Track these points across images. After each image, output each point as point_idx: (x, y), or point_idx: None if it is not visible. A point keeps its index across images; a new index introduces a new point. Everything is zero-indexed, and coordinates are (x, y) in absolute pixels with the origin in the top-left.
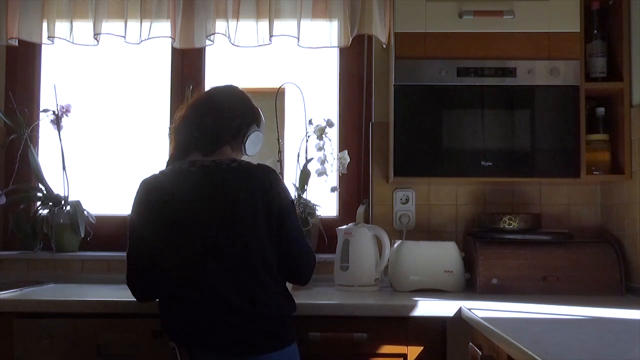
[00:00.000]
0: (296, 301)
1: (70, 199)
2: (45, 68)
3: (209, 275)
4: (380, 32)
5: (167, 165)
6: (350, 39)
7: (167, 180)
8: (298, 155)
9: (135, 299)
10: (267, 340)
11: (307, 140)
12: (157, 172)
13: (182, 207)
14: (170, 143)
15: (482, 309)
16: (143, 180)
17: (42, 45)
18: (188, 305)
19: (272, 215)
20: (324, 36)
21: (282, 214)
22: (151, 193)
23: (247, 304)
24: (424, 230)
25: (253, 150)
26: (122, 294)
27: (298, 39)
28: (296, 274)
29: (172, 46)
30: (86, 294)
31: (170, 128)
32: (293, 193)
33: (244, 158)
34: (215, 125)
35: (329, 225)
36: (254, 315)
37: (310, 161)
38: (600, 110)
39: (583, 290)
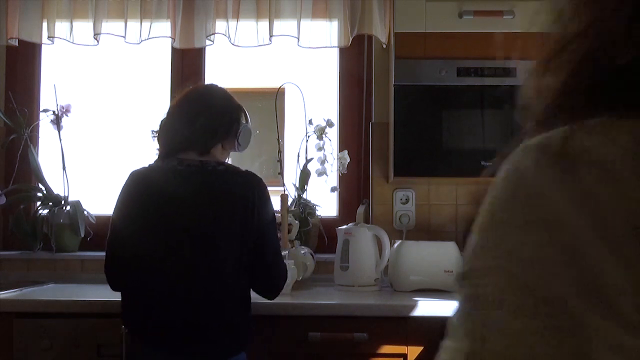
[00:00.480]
0: (296, 301)
1: (70, 199)
2: (45, 68)
3: (176, 274)
4: (380, 32)
5: (156, 160)
6: (350, 39)
7: (155, 175)
8: (298, 155)
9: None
10: (211, 348)
11: (307, 140)
12: (147, 165)
13: (163, 203)
14: (158, 140)
15: None
16: (132, 172)
17: (42, 45)
18: (149, 299)
19: (251, 225)
20: (324, 36)
21: (262, 226)
22: (137, 185)
23: (207, 309)
24: (424, 230)
25: (245, 145)
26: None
27: (298, 39)
28: (266, 289)
29: (172, 46)
30: (86, 294)
31: (155, 131)
32: (293, 193)
33: (235, 154)
34: (208, 123)
35: (329, 225)
36: (211, 321)
37: (310, 161)
38: None
39: None
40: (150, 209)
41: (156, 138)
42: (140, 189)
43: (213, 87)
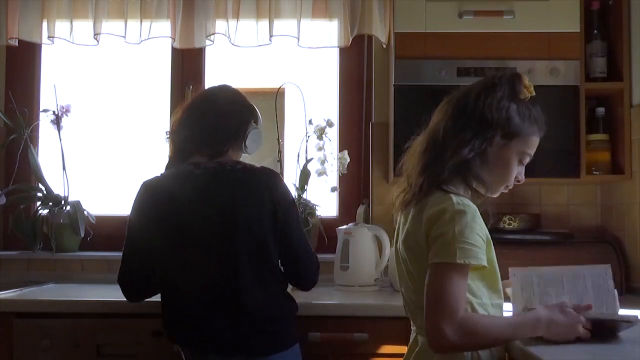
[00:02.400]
0: (296, 301)
1: (70, 199)
2: (45, 68)
3: (212, 278)
4: (380, 32)
5: (166, 168)
6: (350, 39)
7: (169, 183)
8: (298, 155)
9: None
10: (267, 343)
11: (307, 140)
12: (158, 174)
13: (185, 210)
14: (169, 146)
15: None
16: (144, 182)
17: (42, 45)
18: (189, 308)
19: (278, 220)
20: (324, 36)
21: (288, 220)
22: (153, 195)
23: (249, 307)
24: None
25: (254, 148)
26: (121, 294)
27: (298, 39)
28: (301, 280)
29: (172, 46)
30: (86, 294)
31: (168, 131)
32: (293, 193)
33: (244, 156)
34: (217, 126)
35: (329, 225)
36: (255, 317)
37: (310, 161)
38: (600, 110)
39: None
40: (173, 219)
41: (169, 139)
42: (158, 200)
43: (222, 89)
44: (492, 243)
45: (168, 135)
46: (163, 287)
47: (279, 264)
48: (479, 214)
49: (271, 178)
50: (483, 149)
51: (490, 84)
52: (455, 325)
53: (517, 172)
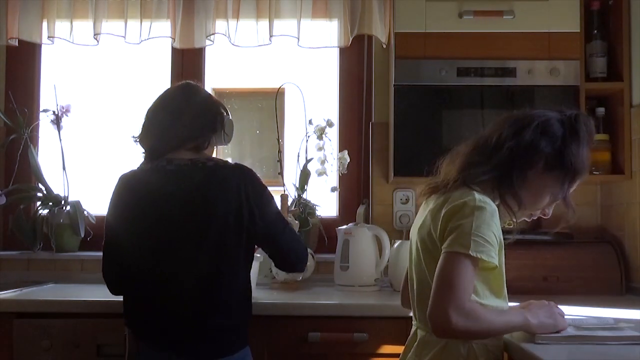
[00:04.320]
0: (296, 301)
1: (70, 199)
2: (45, 68)
3: (174, 273)
4: (380, 32)
5: (143, 163)
6: (350, 39)
7: (145, 177)
8: (298, 155)
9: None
10: (216, 347)
11: (307, 140)
12: (135, 168)
13: (155, 205)
14: (141, 143)
15: None
16: (121, 175)
17: (42, 45)
18: (147, 301)
19: (242, 218)
20: (324, 36)
21: (260, 215)
22: (127, 188)
23: (205, 309)
24: None
25: (231, 135)
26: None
27: (298, 39)
28: (290, 265)
29: (172, 46)
30: (86, 294)
31: (140, 128)
32: (293, 193)
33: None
34: (195, 120)
35: (329, 225)
36: (208, 321)
37: (310, 161)
38: (600, 110)
39: (583, 290)
40: (144, 212)
41: (139, 142)
42: (132, 192)
43: (190, 86)
44: (504, 247)
45: (136, 139)
46: (128, 277)
47: (246, 264)
48: (497, 214)
49: (243, 174)
50: (525, 169)
51: (556, 118)
52: (462, 312)
53: (546, 205)
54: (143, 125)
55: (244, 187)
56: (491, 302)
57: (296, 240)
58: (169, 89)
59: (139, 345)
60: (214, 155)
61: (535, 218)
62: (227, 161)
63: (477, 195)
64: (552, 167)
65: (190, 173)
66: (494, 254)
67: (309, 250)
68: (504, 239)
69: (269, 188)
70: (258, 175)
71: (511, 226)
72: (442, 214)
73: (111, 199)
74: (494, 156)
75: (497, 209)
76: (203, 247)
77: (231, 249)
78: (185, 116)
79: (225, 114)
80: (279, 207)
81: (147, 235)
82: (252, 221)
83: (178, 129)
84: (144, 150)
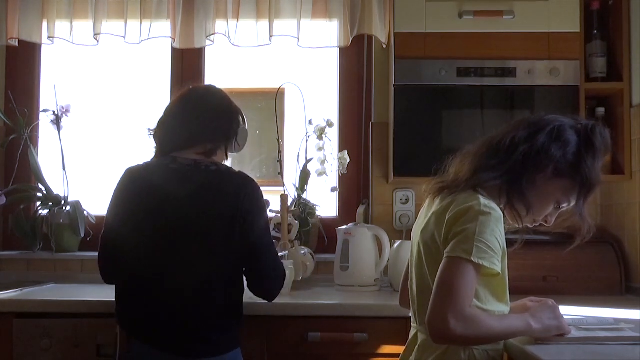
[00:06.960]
0: (296, 301)
1: (70, 199)
2: (45, 68)
3: (167, 271)
4: (380, 32)
5: (152, 158)
6: (350, 39)
7: (149, 173)
8: (298, 155)
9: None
10: (207, 346)
11: (307, 140)
12: (142, 163)
13: (156, 200)
14: (154, 138)
15: None
16: (128, 168)
17: (42, 45)
18: (140, 297)
19: (235, 226)
20: (324, 36)
21: (250, 228)
22: (130, 181)
23: (196, 309)
24: None
25: (243, 145)
26: None
27: (298, 39)
28: (263, 291)
29: (172, 46)
30: (86, 294)
31: (156, 124)
32: (293, 193)
33: (233, 155)
34: (209, 124)
35: (329, 225)
36: (200, 321)
37: (310, 161)
38: (600, 110)
39: (583, 290)
40: (142, 206)
41: (153, 136)
42: (134, 186)
43: (213, 89)
44: (507, 255)
45: (151, 132)
46: (122, 270)
47: (234, 272)
48: (502, 220)
49: (244, 183)
50: (535, 173)
51: (570, 125)
52: (461, 318)
53: (550, 213)
54: (159, 120)
55: (243, 195)
56: (493, 308)
57: (277, 264)
58: (191, 88)
59: (130, 344)
60: (225, 162)
61: (537, 225)
62: (231, 168)
63: (483, 200)
64: (561, 174)
65: (191, 174)
66: (496, 260)
67: (308, 250)
68: (512, 241)
69: (269, 188)
70: (258, 177)
71: (511, 226)
72: (446, 218)
73: (115, 190)
74: (507, 160)
75: (502, 215)
76: (197, 248)
77: (224, 251)
78: (200, 118)
79: (242, 122)
80: (279, 208)
81: (142, 229)
82: (244, 228)
83: (190, 129)
84: (155, 146)
